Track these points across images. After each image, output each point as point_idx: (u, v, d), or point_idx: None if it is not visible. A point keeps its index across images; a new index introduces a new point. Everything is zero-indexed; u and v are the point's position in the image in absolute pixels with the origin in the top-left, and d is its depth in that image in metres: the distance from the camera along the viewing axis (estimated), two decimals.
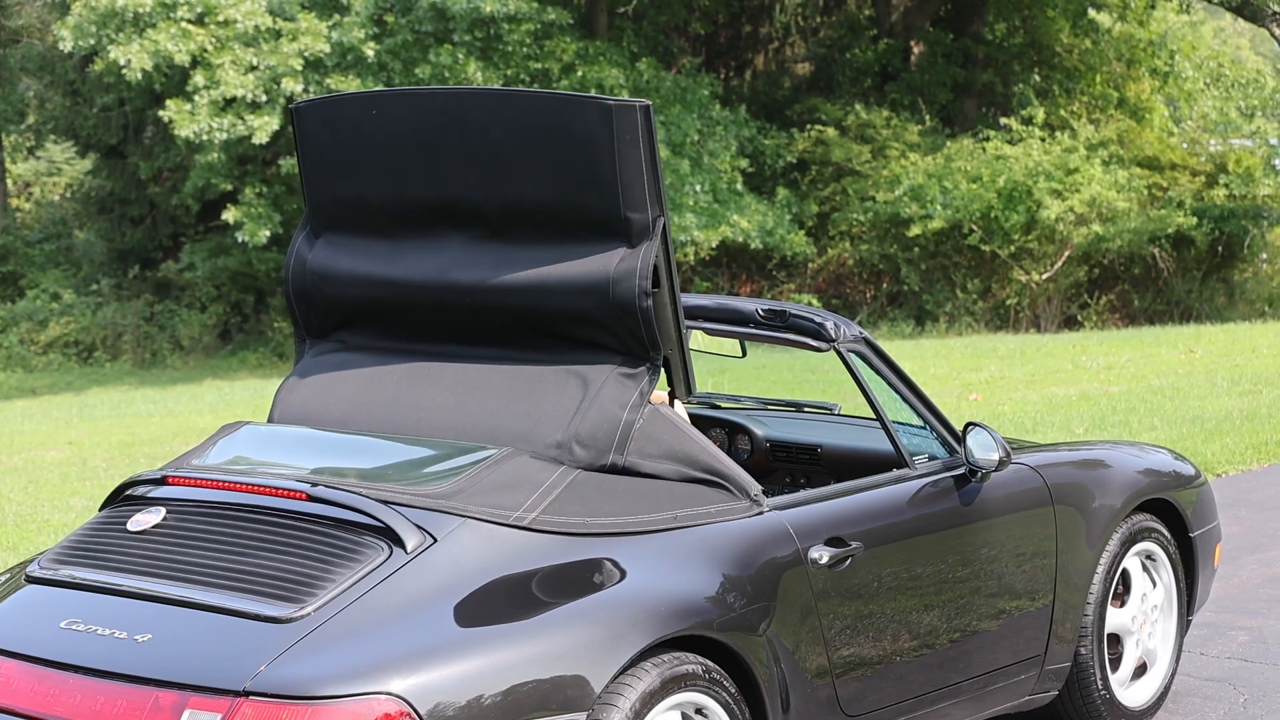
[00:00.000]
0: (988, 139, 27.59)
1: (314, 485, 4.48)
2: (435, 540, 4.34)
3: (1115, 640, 6.10)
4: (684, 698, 4.43)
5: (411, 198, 5.03)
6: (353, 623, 4.13)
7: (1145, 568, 6.18)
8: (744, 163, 26.88)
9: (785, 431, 6.48)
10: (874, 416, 5.45)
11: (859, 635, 5.02)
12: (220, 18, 25.40)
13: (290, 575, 4.25)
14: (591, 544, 4.53)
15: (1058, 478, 5.81)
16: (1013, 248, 26.51)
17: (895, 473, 5.38)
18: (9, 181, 34.10)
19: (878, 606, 5.09)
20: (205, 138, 24.93)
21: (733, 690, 4.54)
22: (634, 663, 4.33)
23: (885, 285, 27.72)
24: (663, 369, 4.84)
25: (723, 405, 6.69)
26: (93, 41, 25.39)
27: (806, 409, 6.62)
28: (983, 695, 5.52)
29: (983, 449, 5.45)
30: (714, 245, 26.16)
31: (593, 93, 20.67)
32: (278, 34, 25.62)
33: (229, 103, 25.32)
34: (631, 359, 4.79)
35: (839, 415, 6.57)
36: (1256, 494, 10.46)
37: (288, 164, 25.59)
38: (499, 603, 4.31)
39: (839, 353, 5.38)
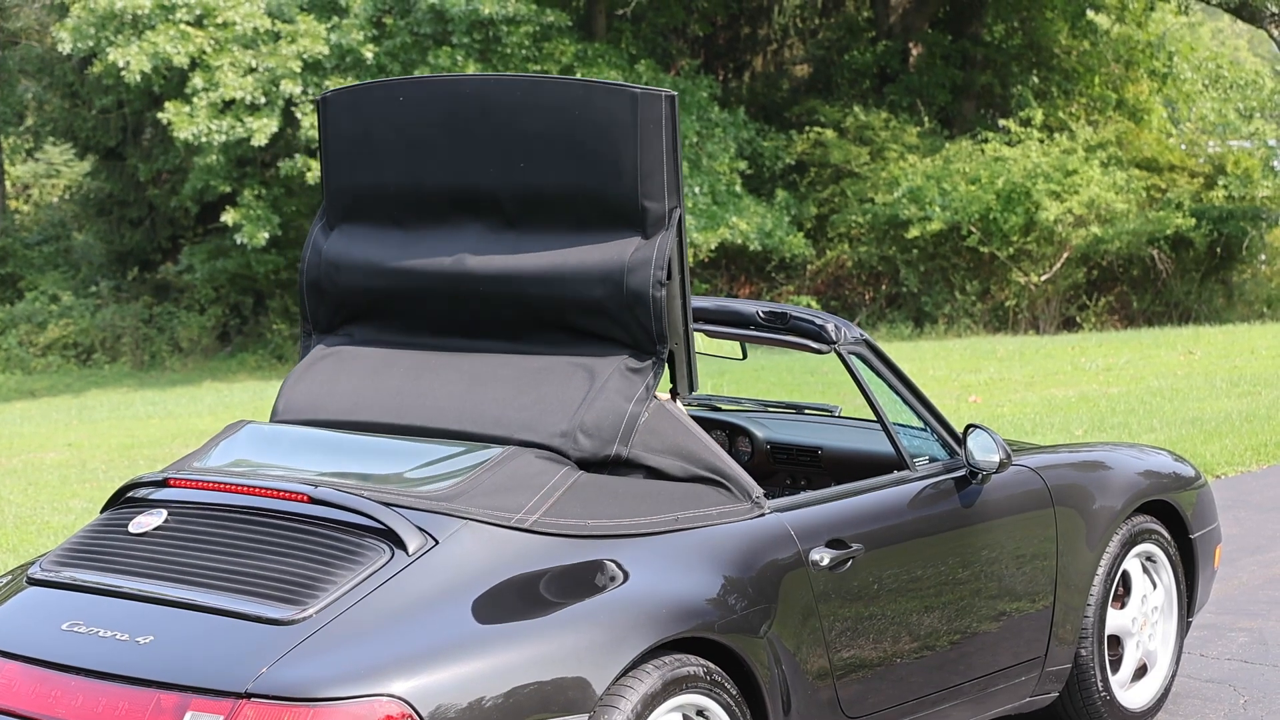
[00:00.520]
0: (986, 140, 27.60)
1: (315, 487, 4.48)
2: (437, 542, 4.34)
3: (1115, 642, 6.10)
4: (685, 699, 4.43)
5: (430, 185, 5.05)
6: (354, 625, 4.13)
7: (1145, 569, 6.18)
8: (743, 164, 26.88)
9: (786, 433, 6.48)
10: (874, 418, 5.45)
11: (860, 637, 5.03)
12: (219, 20, 25.40)
13: (292, 577, 4.25)
14: (593, 546, 4.53)
15: (1058, 479, 5.82)
16: (1011, 249, 26.52)
17: (896, 475, 5.39)
18: (8, 183, 34.10)
19: (878, 608, 5.10)
20: (204, 140, 24.94)
21: (734, 692, 4.55)
22: (635, 665, 4.33)
23: (884, 287, 27.72)
24: (666, 365, 4.85)
25: (723, 407, 6.69)
26: (91, 43, 25.40)
27: (807, 411, 6.62)
28: (983, 697, 5.53)
29: (983, 451, 5.45)
30: (713, 247, 26.16)
31: None
32: (276, 36, 25.62)
33: (228, 105, 25.32)
34: (639, 353, 4.80)
35: (839, 417, 6.57)
36: (1256, 495, 10.46)
37: (286, 166, 25.59)
38: (500, 605, 4.31)
39: (840, 355, 5.38)
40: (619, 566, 4.51)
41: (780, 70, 32.08)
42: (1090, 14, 30.09)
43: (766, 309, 5.51)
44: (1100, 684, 5.92)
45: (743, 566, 4.72)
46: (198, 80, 25.04)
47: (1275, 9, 27.02)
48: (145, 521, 4.60)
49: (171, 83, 25.76)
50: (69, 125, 31.20)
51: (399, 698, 3.96)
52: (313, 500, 4.43)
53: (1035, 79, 30.21)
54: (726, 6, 30.64)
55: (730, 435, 6.42)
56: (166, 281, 30.39)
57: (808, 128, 28.56)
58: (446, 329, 5.08)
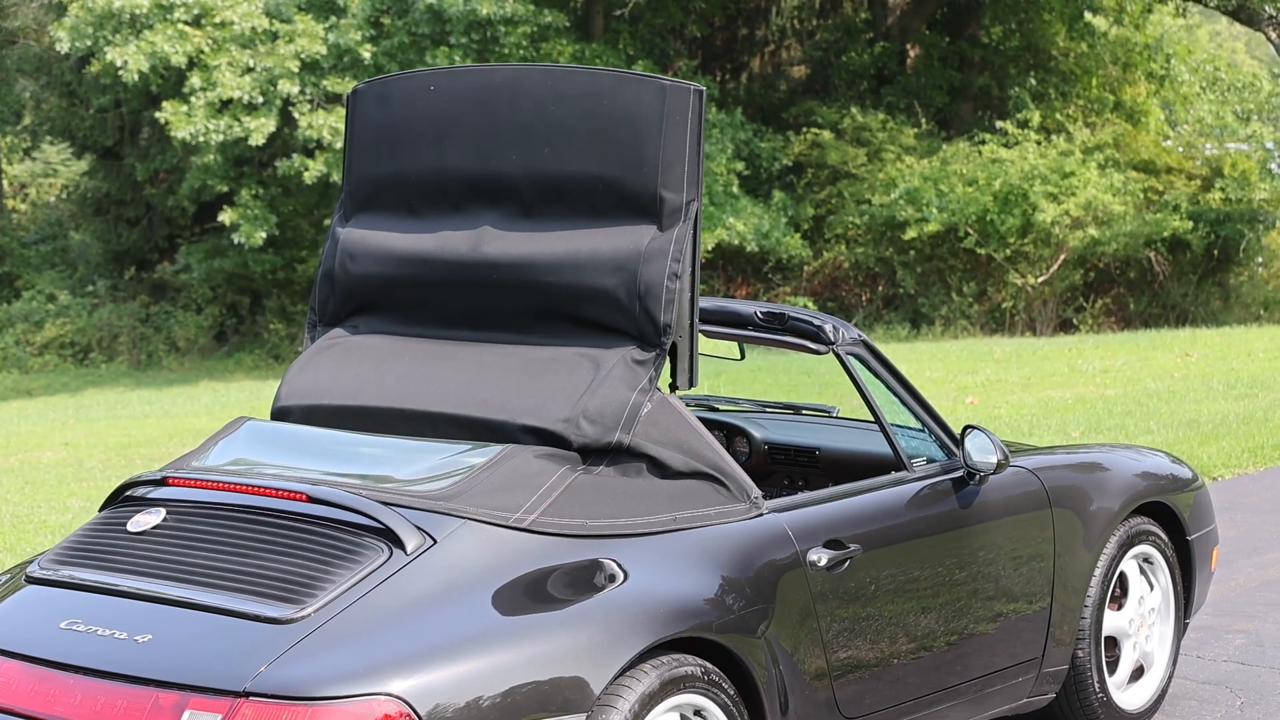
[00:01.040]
0: (984, 142, 27.61)
1: (314, 486, 4.48)
2: (435, 541, 4.34)
3: (1112, 643, 6.11)
4: (683, 699, 4.44)
5: (452, 171, 5.07)
6: (353, 624, 4.13)
7: (1143, 570, 6.18)
8: (740, 165, 26.89)
9: (783, 434, 6.49)
10: (872, 419, 5.46)
11: (857, 637, 5.03)
12: (217, 19, 25.41)
13: (290, 576, 4.26)
14: (591, 546, 4.53)
15: (1055, 481, 5.82)
16: (1008, 251, 26.53)
17: (893, 475, 5.39)
18: (5, 182, 34.09)
19: (876, 609, 5.10)
20: (202, 139, 24.95)
21: (731, 692, 4.55)
22: (633, 664, 4.33)
23: (881, 288, 27.73)
24: (668, 358, 4.85)
25: (721, 408, 6.69)
26: (89, 43, 25.40)
27: (805, 411, 6.62)
28: (980, 697, 5.53)
29: (981, 452, 5.45)
30: (710, 248, 26.17)
31: None
32: (274, 36, 25.63)
33: (225, 104, 25.33)
34: (644, 345, 4.80)
35: (837, 418, 6.57)
36: (1253, 497, 10.47)
37: (284, 166, 25.60)
38: (498, 604, 4.31)
39: (838, 355, 5.38)
40: (617, 566, 4.51)
41: (777, 71, 32.09)
42: (1088, 16, 30.12)
43: (765, 309, 5.52)
44: (1097, 685, 5.92)
45: (740, 567, 4.72)
46: (195, 80, 25.04)
47: (1273, 11, 27.04)
48: (144, 520, 4.60)
49: (169, 82, 25.76)
50: (66, 124, 31.20)
51: (397, 697, 3.96)
52: (311, 499, 4.43)
53: (1033, 81, 30.23)
54: (724, 7, 30.64)
55: (728, 436, 6.43)
56: (163, 281, 30.40)
57: (805, 129, 28.57)
58: (453, 320, 5.09)
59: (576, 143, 4.87)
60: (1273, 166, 27.96)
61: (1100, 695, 5.93)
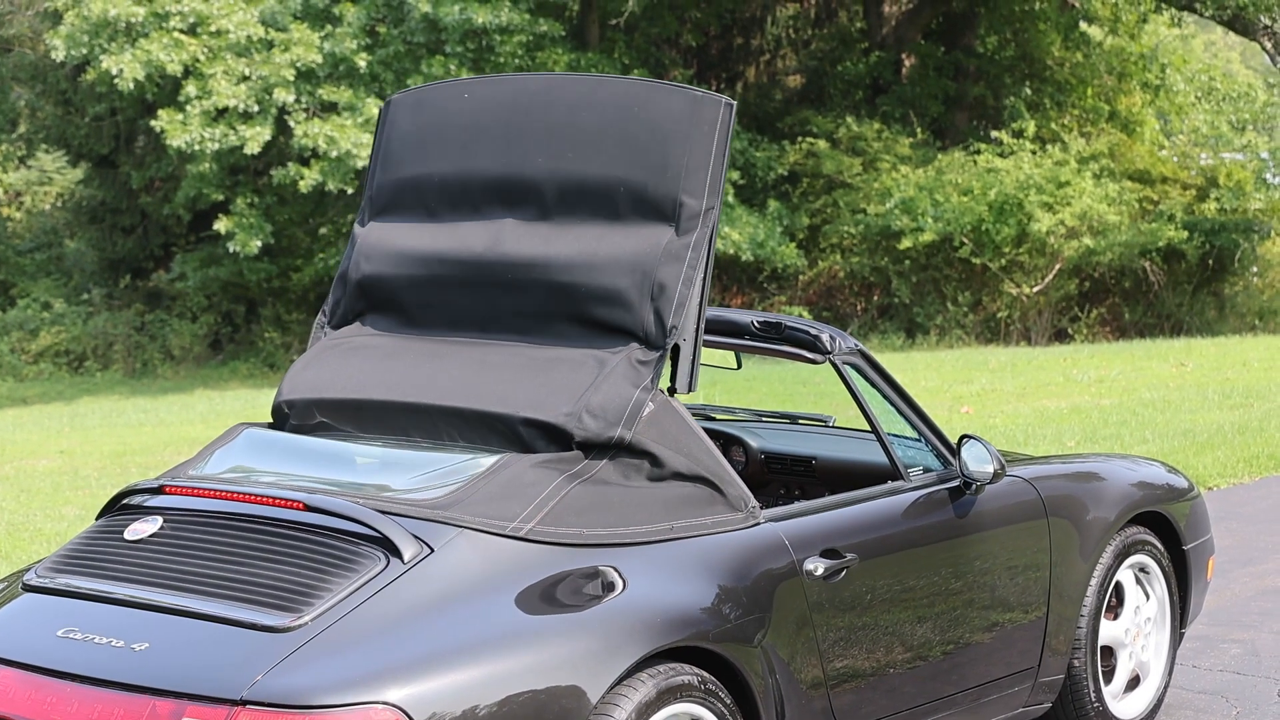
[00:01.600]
0: (979, 152, 27.63)
1: (311, 495, 4.48)
2: (432, 550, 4.35)
3: (1108, 653, 6.11)
4: (680, 708, 4.43)
5: (475, 175, 5.11)
6: (350, 632, 4.13)
7: (1138, 580, 6.19)
8: (735, 175, 26.91)
9: (780, 443, 6.50)
10: (869, 429, 5.46)
11: (854, 647, 5.03)
12: (213, 28, 25.39)
13: (287, 585, 4.26)
14: (588, 555, 4.53)
15: (1051, 490, 5.83)
16: (1003, 260, 26.55)
17: (890, 485, 5.39)
18: (0, 190, 34.06)
19: (872, 618, 5.10)
20: (197, 147, 24.93)
21: (728, 701, 4.55)
22: (630, 673, 4.33)
23: (876, 298, 27.74)
24: (670, 360, 4.86)
25: (718, 417, 6.70)
26: (85, 51, 25.38)
27: (801, 421, 6.63)
28: (976, 707, 5.53)
29: (977, 461, 5.46)
30: None
31: None
32: (270, 44, 25.62)
33: (221, 113, 25.31)
34: (649, 345, 4.81)
35: (834, 427, 6.58)
36: (1248, 507, 10.48)
37: (279, 174, 25.59)
38: (496, 613, 4.31)
39: (834, 365, 5.39)
40: (614, 575, 4.51)
41: (773, 81, 32.11)
42: (1083, 26, 30.15)
43: (761, 319, 5.53)
44: (1093, 695, 5.93)
45: (737, 576, 4.72)
46: (191, 88, 25.03)
47: (1268, 21, 27.08)
48: (141, 528, 4.60)
49: (164, 90, 25.74)
50: (62, 132, 31.19)
51: (394, 705, 3.96)
52: (309, 508, 4.43)
53: (1028, 90, 30.25)
54: (719, 17, 30.66)
55: (724, 445, 6.43)
56: (159, 289, 30.38)
57: (800, 138, 28.58)
58: (461, 322, 5.09)
59: (603, 146, 4.93)
60: (1267, 176, 28.00)
61: (1096, 705, 5.94)
